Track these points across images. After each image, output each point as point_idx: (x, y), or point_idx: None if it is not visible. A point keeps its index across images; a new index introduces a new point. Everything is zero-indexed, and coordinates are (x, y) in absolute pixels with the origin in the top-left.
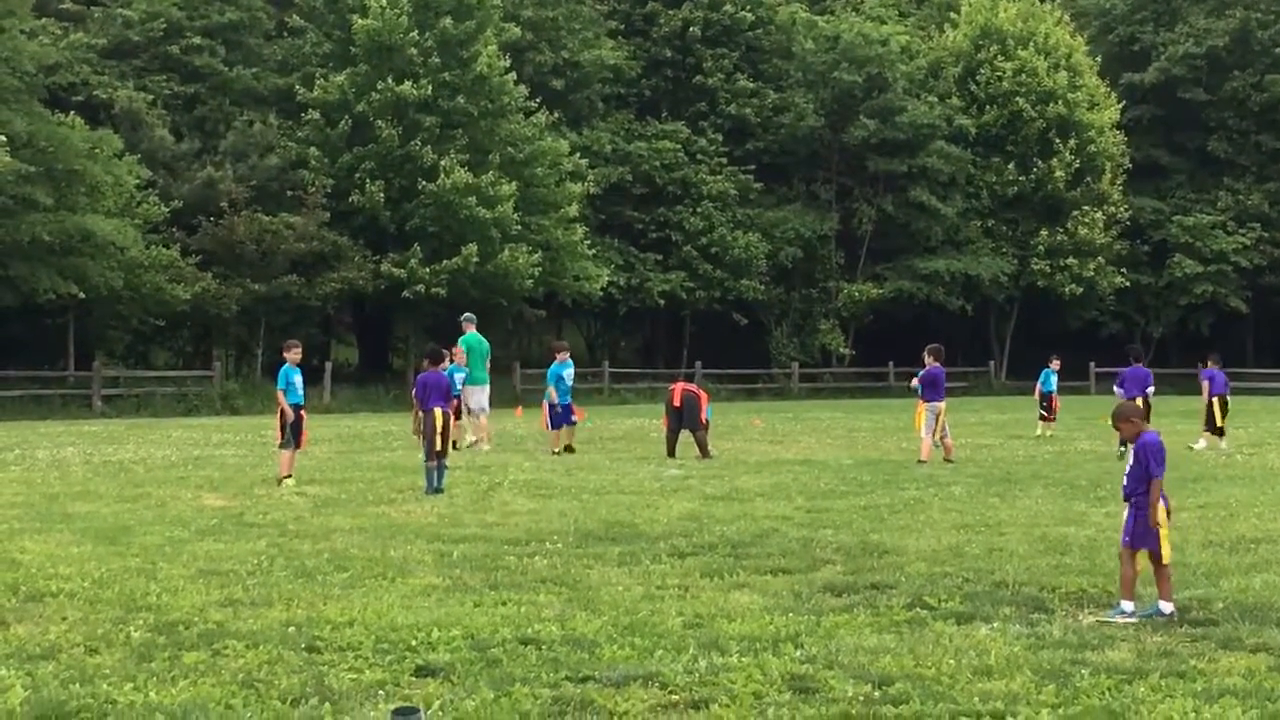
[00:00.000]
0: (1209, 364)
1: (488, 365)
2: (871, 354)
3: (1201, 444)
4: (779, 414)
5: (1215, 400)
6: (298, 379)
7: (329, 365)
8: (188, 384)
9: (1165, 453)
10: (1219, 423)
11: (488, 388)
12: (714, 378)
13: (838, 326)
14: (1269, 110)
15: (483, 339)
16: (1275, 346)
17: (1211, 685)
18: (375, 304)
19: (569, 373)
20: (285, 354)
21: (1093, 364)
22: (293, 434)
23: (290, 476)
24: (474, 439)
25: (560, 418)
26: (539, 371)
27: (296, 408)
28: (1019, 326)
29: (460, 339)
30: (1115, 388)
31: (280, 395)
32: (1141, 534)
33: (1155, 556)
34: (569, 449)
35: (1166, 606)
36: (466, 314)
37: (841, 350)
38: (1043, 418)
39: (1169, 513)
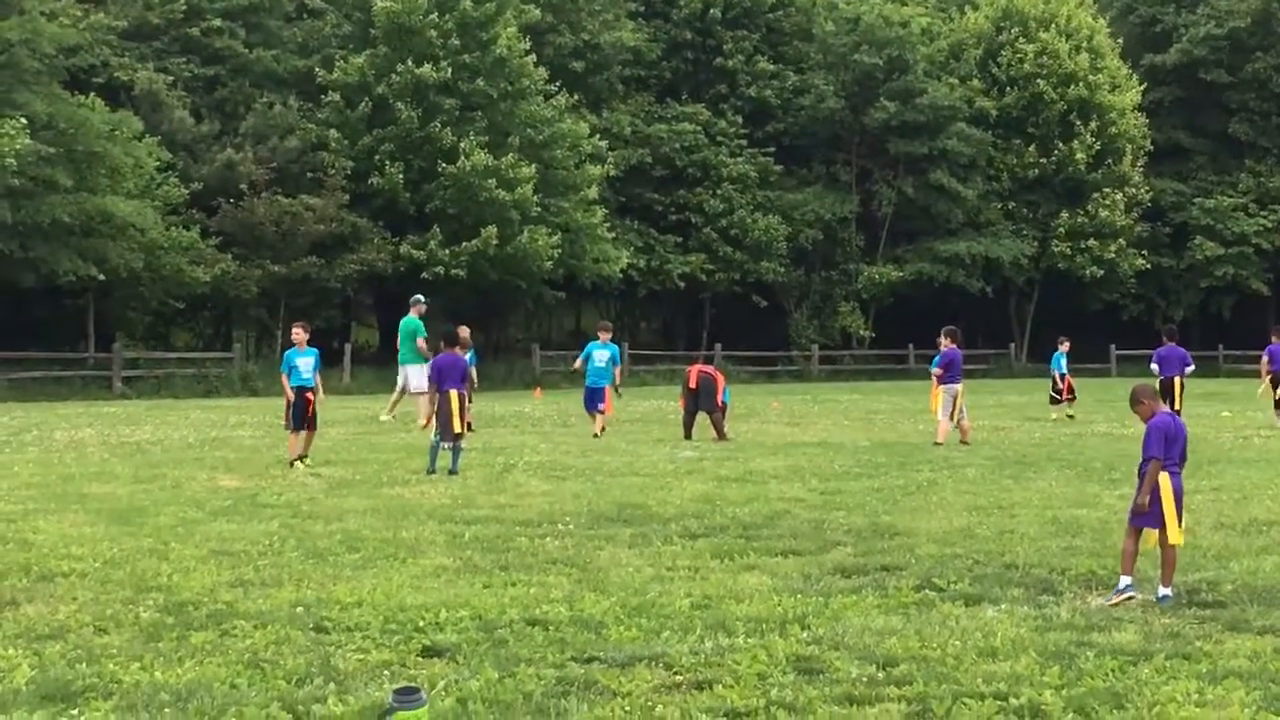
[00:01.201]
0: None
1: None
2: (892, 336)
3: None
4: (798, 396)
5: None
6: (301, 361)
7: (349, 347)
8: (208, 365)
9: (1176, 435)
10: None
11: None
12: (733, 360)
13: (858, 309)
14: None
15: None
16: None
17: (1216, 667)
18: (395, 286)
19: (601, 354)
20: (293, 335)
21: (1113, 346)
22: (296, 416)
23: (303, 458)
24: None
25: (590, 402)
26: (558, 353)
27: (300, 390)
28: (1039, 308)
29: (403, 320)
30: (1151, 365)
31: (284, 379)
32: (1143, 512)
33: (1162, 538)
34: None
35: (1162, 590)
36: (416, 296)
37: (861, 332)
38: (1054, 400)
39: (1179, 496)
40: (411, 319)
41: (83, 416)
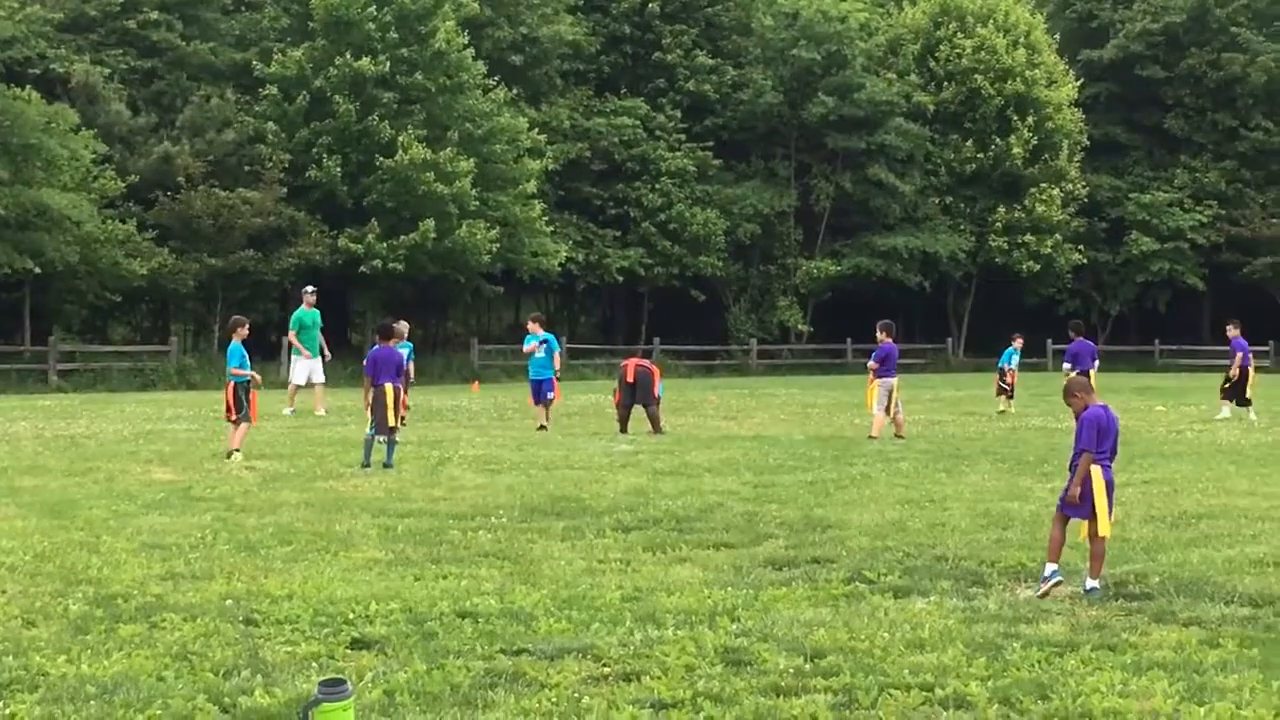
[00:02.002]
0: (1237, 331)
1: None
2: (830, 331)
3: (1226, 412)
4: (736, 390)
5: (1243, 370)
6: (245, 356)
7: (286, 340)
8: (144, 359)
9: (1108, 428)
10: (1245, 393)
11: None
12: (672, 354)
13: (796, 303)
14: (1225, 88)
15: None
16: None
17: (1141, 658)
18: (333, 279)
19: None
20: (234, 332)
21: (1050, 341)
22: (243, 407)
23: (239, 450)
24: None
25: (537, 394)
26: (497, 347)
27: (244, 384)
28: (977, 303)
29: (297, 312)
30: (1065, 363)
31: (237, 371)
32: (1074, 503)
33: (1092, 529)
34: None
35: (1089, 583)
36: (306, 286)
37: (800, 327)
38: (1002, 391)
39: (1110, 488)
40: (302, 310)
41: (17, 410)
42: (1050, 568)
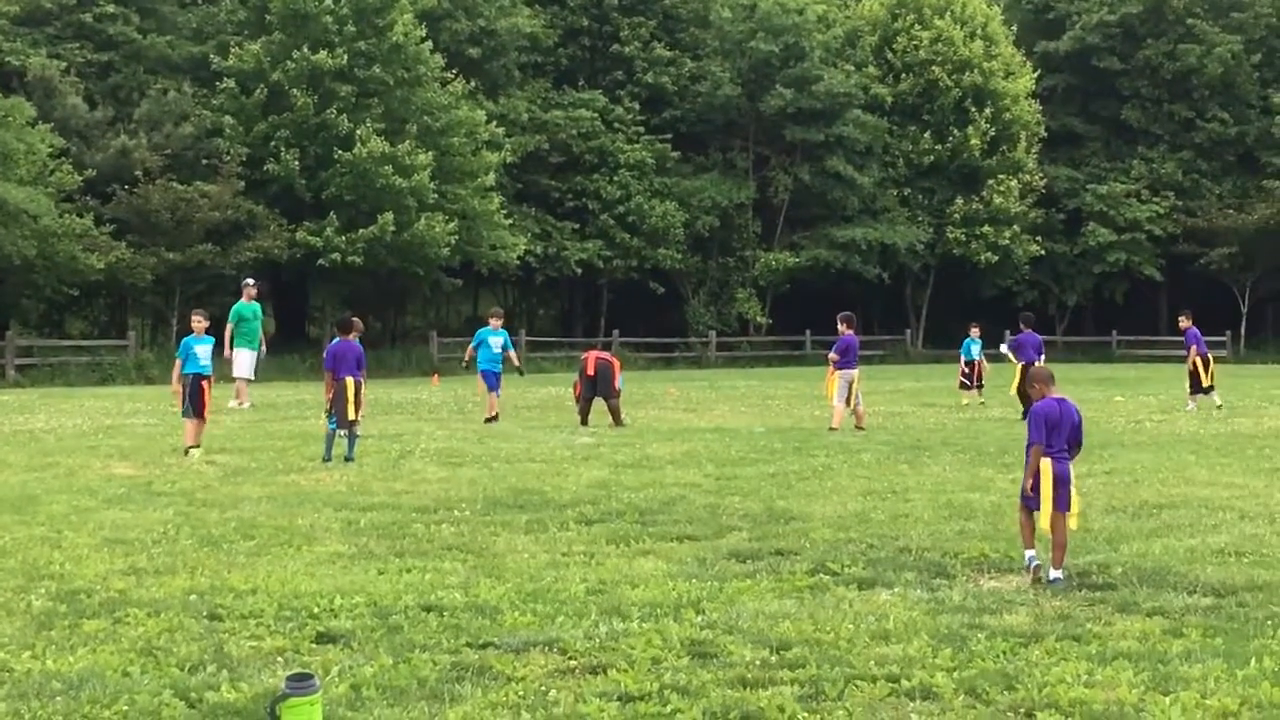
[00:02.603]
0: (1189, 322)
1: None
2: (789, 323)
3: (1191, 406)
4: (695, 382)
5: (1200, 359)
6: (200, 348)
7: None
8: (102, 353)
9: (1059, 421)
10: (1207, 381)
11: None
12: (631, 346)
13: (755, 295)
14: (1182, 79)
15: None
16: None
17: (1106, 648)
18: (291, 273)
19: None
20: (192, 323)
21: (1008, 332)
22: (192, 403)
23: (198, 446)
24: (240, 402)
25: (492, 382)
26: (456, 340)
27: (198, 377)
28: (935, 295)
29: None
30: (1003, 348)
31: (177, 364)
32: (1030, 495)
33: (1052, 520)
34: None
35: (1052, 573)
36: (248, 279)
37: (759, 319)
38: (963, 385)
39: (1061, 481)
40: (241, 303)
41: None
42: (1029, 554)
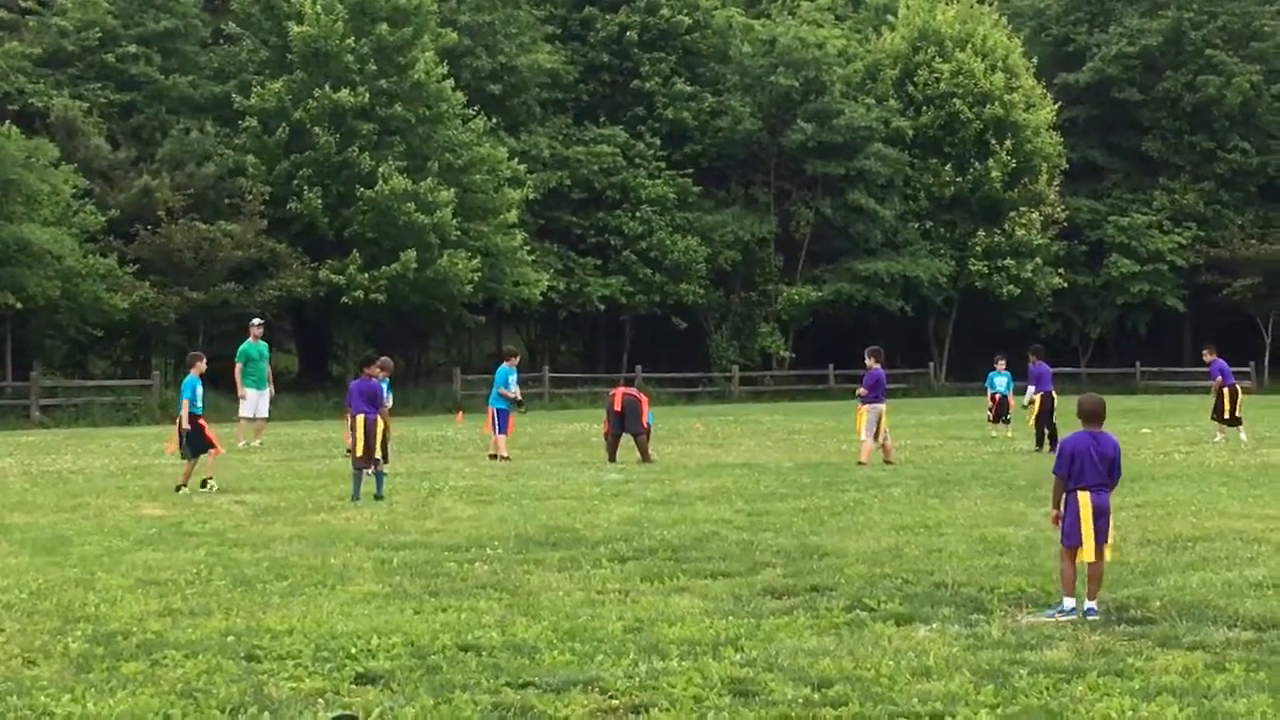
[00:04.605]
0: (1214, 355)
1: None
2: (811, 356)
3: (1220, 438)
4: (719, 417)
5: (1228, 390)
6: (200, 389)
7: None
8: (126, 393)
9: (1085, 454)
10: (1234, 413)
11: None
12: (654, 381)
13: (777, 329)
14: (1202, 110)
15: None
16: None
17: (1149, 683)
18: (314, 311)
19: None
20: (192, 367)
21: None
22: (191, 444)
23: (212, 478)
24: (248, 441)
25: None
26: (480, 377)
27: (195, 418)
28: (958, 327)
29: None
30: (1029, 386)
31: (185, 404)
32: (1067, 531)
33: (1083, 554)
34: (496, 456)
35: (1087, 604)
36: (255, 319)
37: (781, 353)
38: (990, 420)
39: (1099, 514)
40: (248, 343)
41: (1, 446)
42: (1068, 602)
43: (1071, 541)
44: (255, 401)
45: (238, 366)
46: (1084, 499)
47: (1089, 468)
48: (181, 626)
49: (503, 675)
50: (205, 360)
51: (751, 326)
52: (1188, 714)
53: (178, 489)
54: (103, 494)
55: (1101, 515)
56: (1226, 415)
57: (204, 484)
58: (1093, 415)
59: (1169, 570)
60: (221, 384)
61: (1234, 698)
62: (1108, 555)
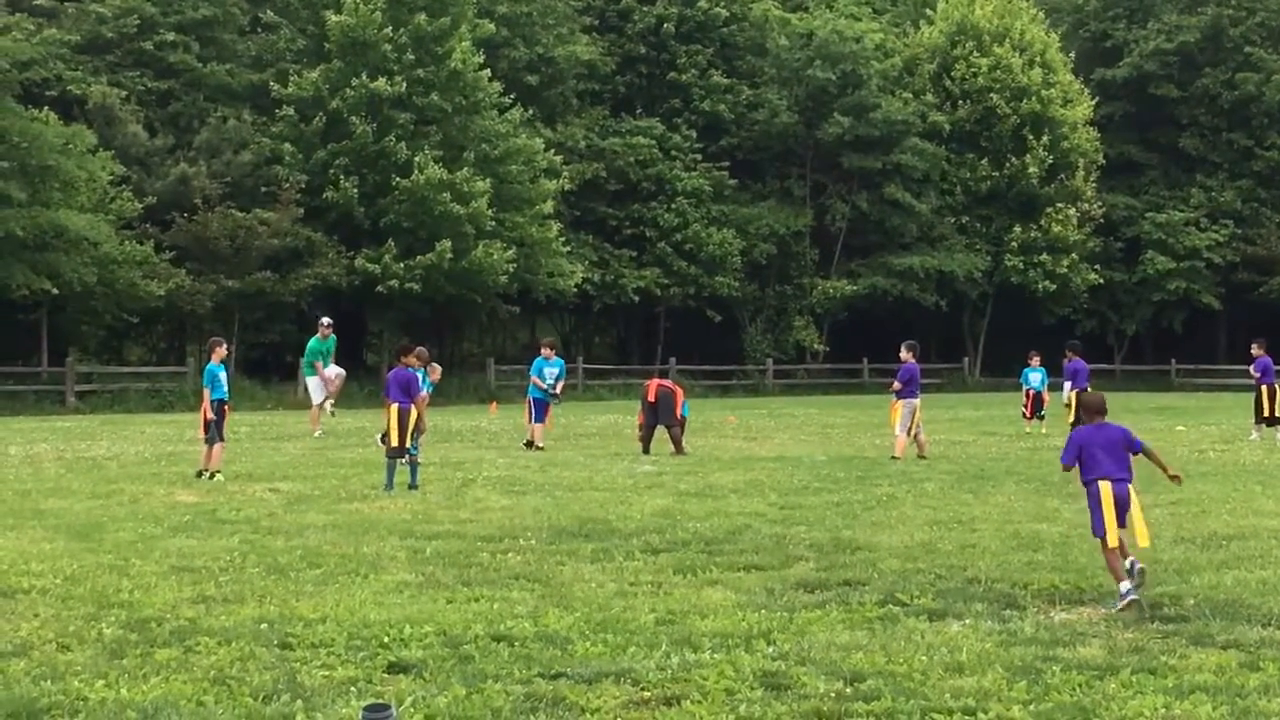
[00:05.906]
0: (1262, 350)
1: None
2: (846, 350)
3: (1255, 436)
4: (753, 410)
5: (1265, 389)
6: (223, 375)
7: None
8: (161, 380)
9: (1090, 444)
10: (1274, 412)
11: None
12: (688, 374)
13: (812, 323)
14: (1240, 107)
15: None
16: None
17: (1182, 681)
18: (350, 300)
19: (549, 370)
20: (213, 353)
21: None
22: (218, 429)
23: (220, 471)
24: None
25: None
26: (513, 368)
27: (220, 403)
28: (993, 323)
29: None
30: (1065, 382)
31: (206, 392)
32: (1094, 524)
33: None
34: (531, 445)
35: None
36: (324, 318)
37: (816, 346)
38: (1025, 416)
39: (1119, 503)
40: (316, 339)
41: (37, 431)
42: (1124, 586)
43: (1099, 533)
44: (319, 385)
45: (316, 364)
46: (1105, 488)
47: (1100, 456)
48: (215, 614)
49: (535, 666)
50: (225, 345)
51: (786, 320)
52: (1221, 713)
53: (210, 476)
54: (137, 480)
55: (1121, 506)
56: (1266, 414)
57: (199, 474)
58: (1096, 409)
59: (1203, 568)
60: (263, 372)
61: (1268, 697)
62: (1144, 542)
